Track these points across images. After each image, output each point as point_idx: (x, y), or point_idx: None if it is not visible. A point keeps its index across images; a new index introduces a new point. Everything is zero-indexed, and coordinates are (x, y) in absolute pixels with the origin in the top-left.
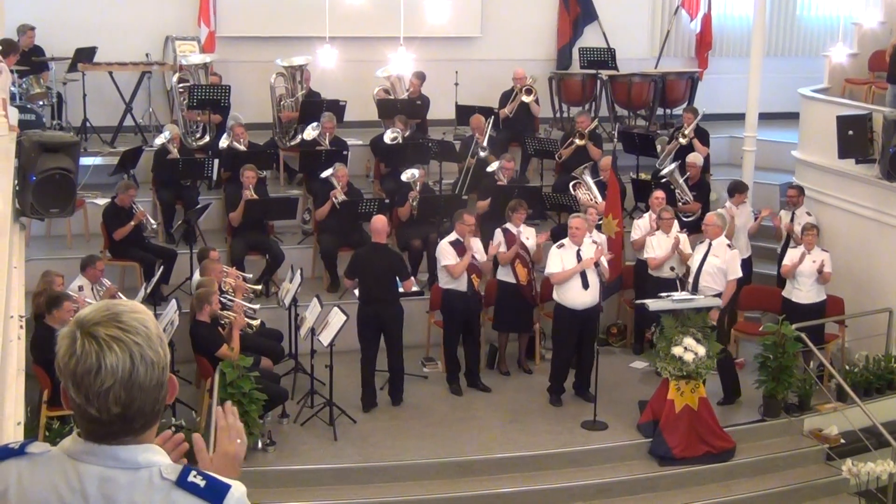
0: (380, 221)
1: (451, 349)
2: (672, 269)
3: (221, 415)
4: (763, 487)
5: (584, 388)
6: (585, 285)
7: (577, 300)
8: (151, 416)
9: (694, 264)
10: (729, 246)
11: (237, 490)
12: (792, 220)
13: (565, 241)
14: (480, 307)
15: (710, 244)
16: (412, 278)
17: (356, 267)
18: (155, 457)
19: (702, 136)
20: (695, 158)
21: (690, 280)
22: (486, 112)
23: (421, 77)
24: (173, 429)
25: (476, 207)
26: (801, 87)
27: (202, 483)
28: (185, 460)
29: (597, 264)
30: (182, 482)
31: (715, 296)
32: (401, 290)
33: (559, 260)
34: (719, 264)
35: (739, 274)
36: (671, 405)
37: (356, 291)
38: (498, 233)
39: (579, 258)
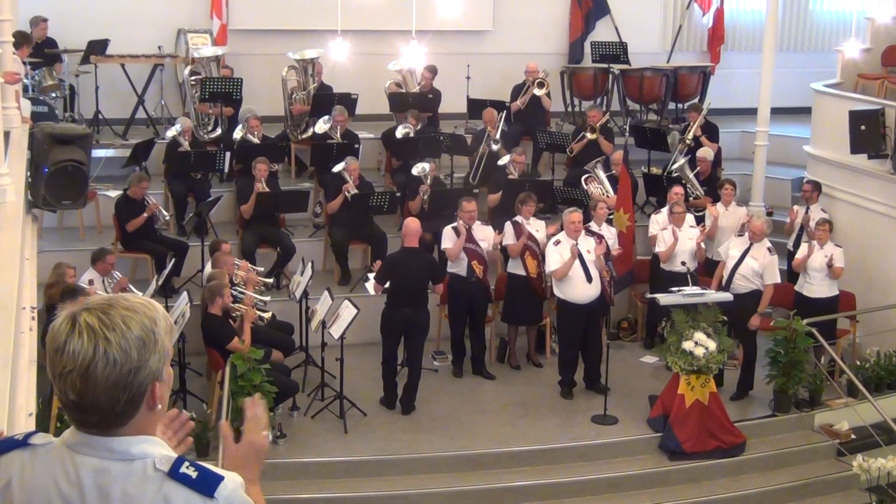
0: (413, 223)
1: (455, 333)
2: (683, 263)
3: (250, 405)
4: (773, 482)
5: (595, 380)
6: (589, 279)
7: (581, 294)
8: (111, 414)
9: (730, 262)
10: (769, 250)
11: (230, 482)
12: (806, 214)
13: (560, 236)
14: (486, 295)
15: (750, 245)
16: (443, 283)
17: (390, 272)
18: (150, 448)
19: (711, 131)
20: (704, 153)
21: (725, 276)
22: (498, 106)
23: (433, 71)
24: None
25: (487, 201)
26: (814, 82)
27: (194, 474)
28: (191, 439)
29: (608, 258)
30: (174, 473)
31: (747, 294)
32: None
33: (558, 256)
34: (756, 267)
35: (778, 279)
36: (681, 400)
37: (370, 289)
38: (508, 225)
39: (578, 253)
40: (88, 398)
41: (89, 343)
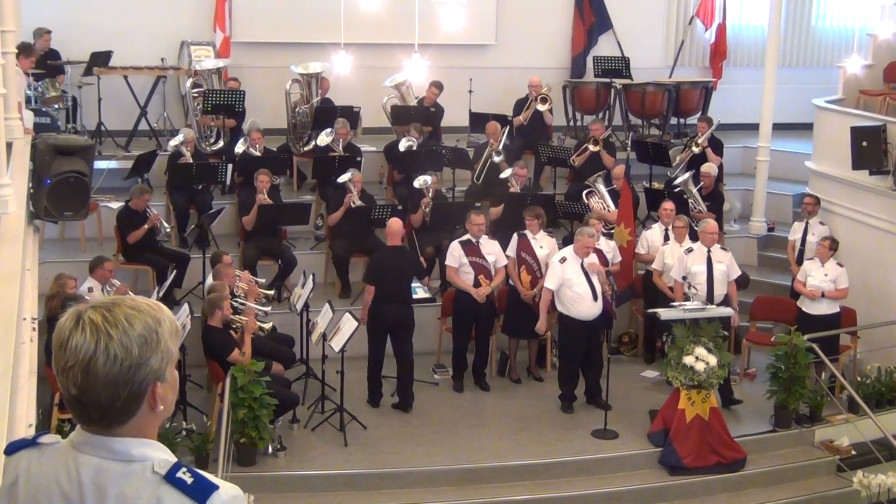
0: (396, 224)
1: (458, 347)
2: (684, 278)
3: None
4: (773, 498)
5: (596, 396)
6: (595, 297)
7: (587, 311)
8: (111, 410)
9: (699, 277)
10: (722, 248)
11: (224, 493)
12: (806, 230)
13: (567, 253)
14: (492, 309)
15: (708, 251)
16: (427, 277)
17: (376, 270)
18: (150, 451)
19: (716, 146)
20: (709, 168)
21: (702, 290)
22: (501, 120)
23: (439, 87)
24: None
25: (489, 213)
26: (816, 98)
27: (189, 480)
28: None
29: (609, 273)
30: (170, 477)
31: (722, 303)
32: (418, 293)
33: (560, 273)
34: (724, 269)
35: (739, 272)
36: (682, 414)
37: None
38: (514, 238)
39: (584, 271)
40: (89, 393)
41: (91, 338)
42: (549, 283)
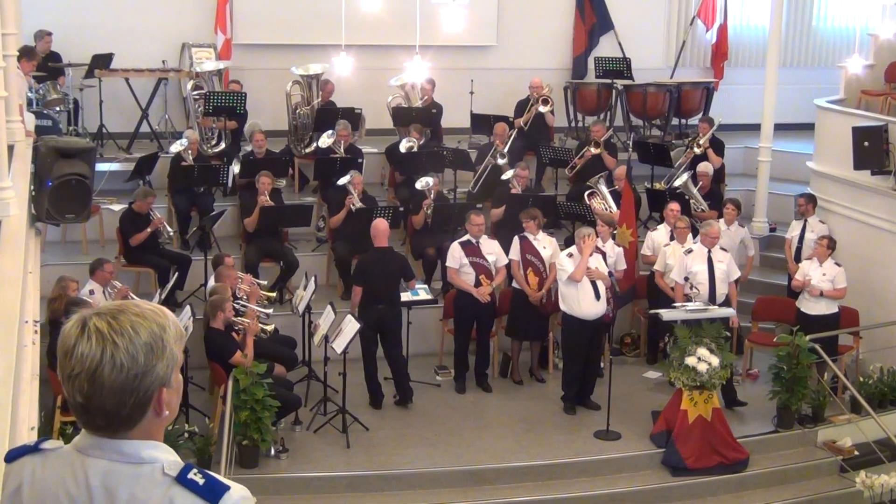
0: (381, 224)
1: (459, 347)
2: (686, 279)
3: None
4: (776, 499)
5: (587, 395)
6: (597, 296)
7: (590, 310)
8: (117, 418)
9: (700, 277)
10: (722, 248)
11: (235, 493)
12: (804, 228)
13: (573, 250)
14: (493, 310)
15: (709, 251)
16: (415, 279)
17: (362, 271)
18: (159, 454)
19: (717, 146)
20: (705, 167)
21: (704, 290)
22: (503, 121)
23: (432, 83)
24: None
25: (490, 215)
26: (817, 98)
27: (201, 481)
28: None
29: (611, 274)
30: (181, 478)
31: (723, 303)
32: (407, 295)
33: (572, 263)
34: (725, 269)
35: (738, 273)
36: (684, 415)
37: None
38: (515, 240)
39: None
40: (95, 401)
41: (97, 347)
42: (568, 270)
